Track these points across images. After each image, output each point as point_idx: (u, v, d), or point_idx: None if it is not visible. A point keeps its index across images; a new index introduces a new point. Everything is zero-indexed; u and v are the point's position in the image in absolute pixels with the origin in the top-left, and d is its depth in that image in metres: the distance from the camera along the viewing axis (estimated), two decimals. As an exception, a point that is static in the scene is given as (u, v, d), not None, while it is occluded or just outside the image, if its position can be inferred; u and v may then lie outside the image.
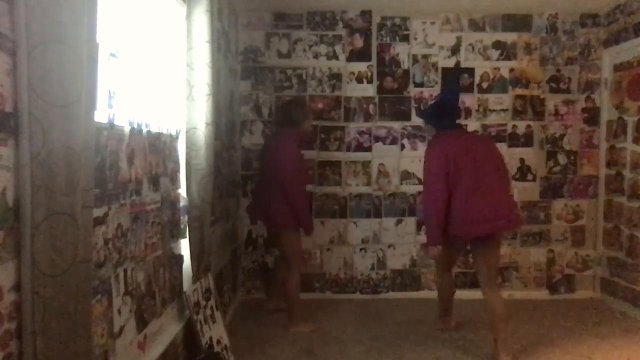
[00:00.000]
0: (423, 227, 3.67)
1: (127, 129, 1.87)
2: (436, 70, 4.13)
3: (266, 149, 3.49)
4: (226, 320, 3.16)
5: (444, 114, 3.05)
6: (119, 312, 1.80)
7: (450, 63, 4.13)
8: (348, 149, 4.14)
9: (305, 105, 3.60)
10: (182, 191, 2.58)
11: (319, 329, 3.43)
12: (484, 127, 4.13)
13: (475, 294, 3.88)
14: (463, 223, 2.78)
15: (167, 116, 2.41)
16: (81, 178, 1.26)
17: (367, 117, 4.14)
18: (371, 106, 4.14)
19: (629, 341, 3.24)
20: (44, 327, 1.17)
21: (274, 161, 3.25)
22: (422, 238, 4.15)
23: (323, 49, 4.10)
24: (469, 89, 4.13)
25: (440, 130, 3.03)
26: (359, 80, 4.13)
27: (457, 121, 3.28)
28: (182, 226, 2.58)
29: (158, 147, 2.24)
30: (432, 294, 4.15)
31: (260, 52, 4.09)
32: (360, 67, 4.12)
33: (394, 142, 4.15)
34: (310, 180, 3.60)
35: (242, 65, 4.08)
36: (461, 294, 4.10)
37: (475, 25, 4.13)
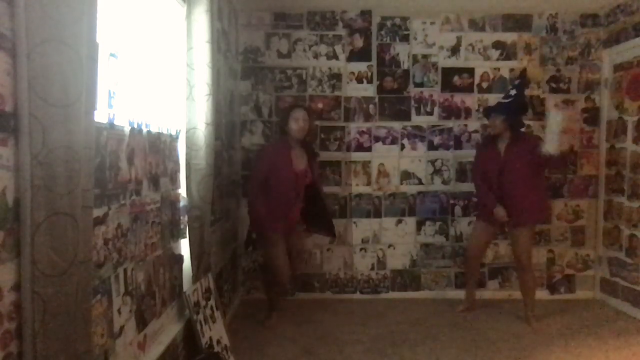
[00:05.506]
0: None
1: (127, 129, 1.87)
2: (436, 70, 4.14)
3: None
4: (226, 320, 3.16)
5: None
6: (119, 312, 1.80)
7: (451, 63, 4.13)
8: (348, 149, 4.14)
9: (285, 111, 3.48)
10: (182, 191, 2.58)
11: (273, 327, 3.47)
12: (484, 127, 4.12)
13: (477, 294, 3.89)
14: None
15: (167, 116, 2.41)
16: (81, 178, 1.26)
17: (367, 117, 4.14)
18: (371, 106, 4.14)
19: (629, 341, 3.24)
20: (44, 327, 1.17)
21: None
22: (422, 238, 4.17)
23: (323, 49, 4.10)
24: (469, 89, 4.14)
25: (518, 127, 3.48)
26: (359, 80, 4.13)
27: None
28: (182, 226, 2.58)
29: (158, 147, 2.24)
30: (432, 294, 4.17)
31: (260, 52, 4.09)
32: (360, 67, 4.12)
33: (394, 142, 4.15)
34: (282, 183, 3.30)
35: (242, 65, 4.08)
36: (461, 294, 4.11)
37: (475, 25, 4.13)
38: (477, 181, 3.66)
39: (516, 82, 3.72)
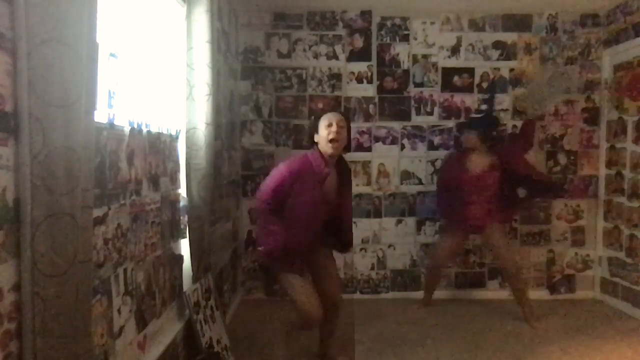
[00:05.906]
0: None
1: (127, 129, 1.87)
2: (436, 70, 4.13)
3: None
4: (226, 320, 3.16)
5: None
6: (119, 312, 1.80)
7: (451, 63, 4.13)
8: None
9: (315, 119, 2.66)
10: (182, 191, 2.58)
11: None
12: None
13: (474, 294, 3.90)
14: None
15: (167, 116, 2.41)
16: (81, 178, 1.26)
17: (367, 117, 4.14)
18: (371, 106, 4.14)
19: (629, 341, 3.24)
20: (44, 327, 1.17)
21: None
22: (422, 238, 4.18)
23: (323, 49, 4.10)
24: (469, 89, 4.14)
25: (491, 141, 3.55)
26: (359, 80, 4.13)
27: None
28: (182, 226, 2.58)
29: (158, 147, 2.25)
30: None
31: (260, 52, 4.09)
32: (360, 67, 4.12)
33: (394, 142, 4.15)
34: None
35: (242, 65, 4.08)
36: (461, 294, 4.12)
37: (475, 25, 4.13)
38: (441, 190, 3.78)
39: (486, 96, 3.79)
